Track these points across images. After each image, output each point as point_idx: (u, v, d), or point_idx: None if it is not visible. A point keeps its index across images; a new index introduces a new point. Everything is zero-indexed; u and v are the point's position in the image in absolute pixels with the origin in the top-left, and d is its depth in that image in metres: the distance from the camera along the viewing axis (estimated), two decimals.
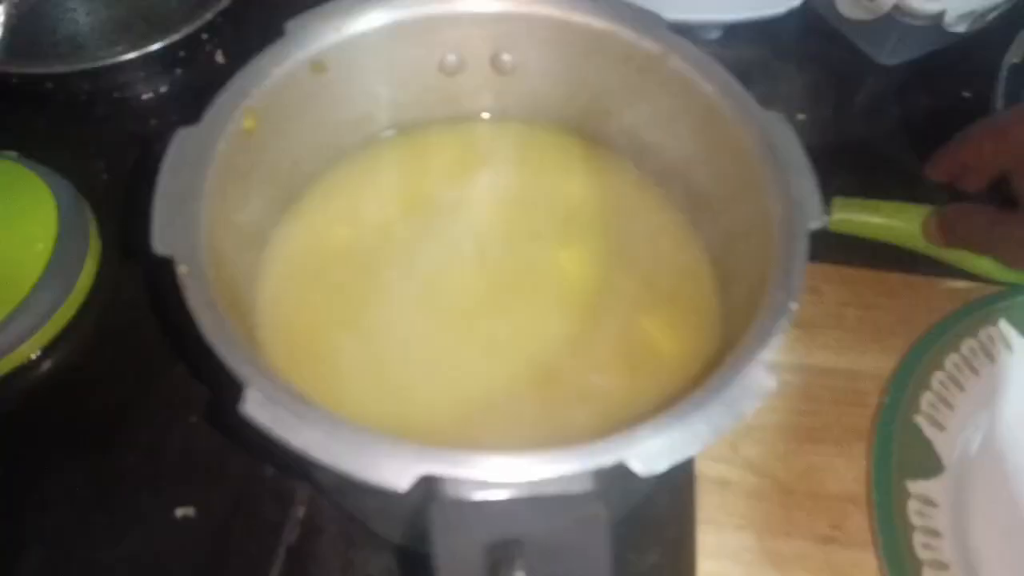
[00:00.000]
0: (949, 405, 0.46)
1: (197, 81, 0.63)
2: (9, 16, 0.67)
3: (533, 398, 0.39)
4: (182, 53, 0.61)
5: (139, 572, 0.43)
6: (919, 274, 0.54)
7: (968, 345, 0.48)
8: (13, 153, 0.55)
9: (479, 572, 0.28)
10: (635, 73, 0.44)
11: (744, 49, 0.67)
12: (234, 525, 0.44)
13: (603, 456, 0.28)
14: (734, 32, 0.67)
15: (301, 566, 0.43)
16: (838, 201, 0.54)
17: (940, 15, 0.62)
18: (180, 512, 0.45)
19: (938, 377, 0.47)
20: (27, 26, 0.67)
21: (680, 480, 0.46)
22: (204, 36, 0.61)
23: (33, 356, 0.50)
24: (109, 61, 0.57)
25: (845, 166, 0.60)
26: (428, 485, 0.29)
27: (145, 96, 0.63)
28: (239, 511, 0.45)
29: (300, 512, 0.45)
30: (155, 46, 0.57)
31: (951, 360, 0.48)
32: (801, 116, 0.63)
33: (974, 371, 0.47)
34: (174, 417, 0.48)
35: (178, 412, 0.48)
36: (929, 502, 0.43)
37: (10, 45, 0.66)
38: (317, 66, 0.41)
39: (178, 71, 0.63)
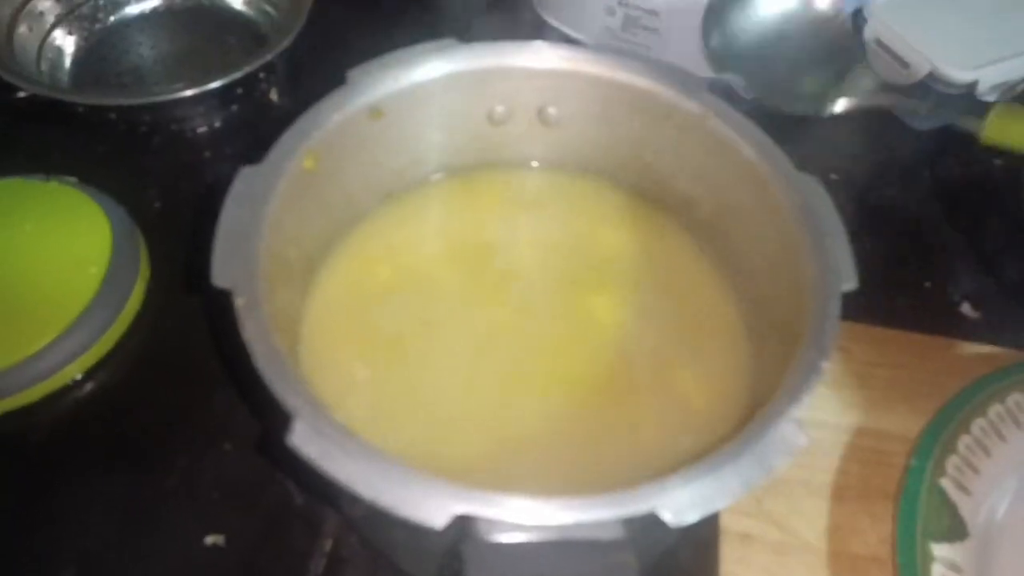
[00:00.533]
0: (975, 469, 0.46)
1: (252, 117, 0.66)
2: (78, 48, 0.70)
3: (565, 442, 0.40)
4: (240, 90, 0.64)
5: None
6: (950, 337, 0.55)
7: (995, 410, 0.48)
8: (72, 179, 0.57)
9: None
10: (675, 131, 0.45)
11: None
12: (262, 555, 0.45)
13: (635, 504, 0.29)
14: None
15: None
16: (998, 107, 0.52)
17: (973, 84, 0.63)
18: (210, 540, 0.45)
19: (964, 441, 0.47)
20: (94, 58, 0.70)
21: (704, 533, 0.46)
22: (261, 75, 0.64)
23: (77, 377, 0.51)
24: (171, 96, 0.60)
25: (875, 228, 0.61)
26: (463, 524, 0.30)
27: (201, 129, 0.65)
28: (268, 541, 0.46)
29: (328, 544, 0.46)
30: (215, 84, 0.60)
31: (978, 424, 0.48)
32: (835, 176, 0.64)
33: (1001, 437, 0.48)
34: (210, 444, 0.49)
35: (215, 440, 0.49)
36: (954, 566, 0.43)
37: (77, 75, 0.69)
38: (375, 112, 0.43)
39: (234, 107, 0.65)
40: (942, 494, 0.45)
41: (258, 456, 0.48)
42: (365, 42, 0.44)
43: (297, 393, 0.32)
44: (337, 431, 0.31)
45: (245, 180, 0.38)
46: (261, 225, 0.37)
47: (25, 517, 0.46)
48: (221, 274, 0.35)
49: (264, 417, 0.49)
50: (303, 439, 0.30)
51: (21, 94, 0.64)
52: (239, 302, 0.34)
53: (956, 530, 0.44)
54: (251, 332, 0.33)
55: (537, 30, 0.68)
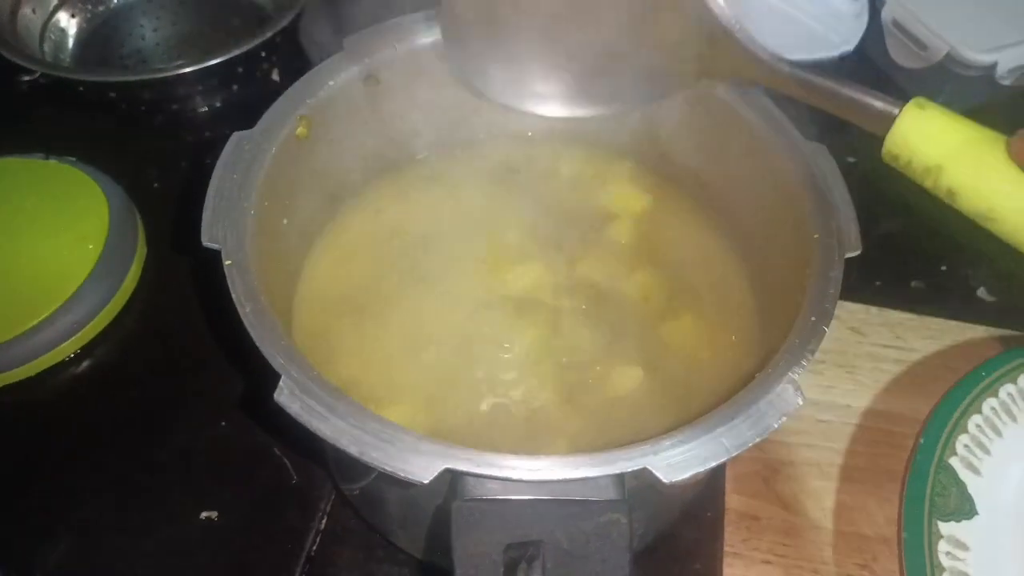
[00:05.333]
0: (985, 450, 0.45)
1: (252, 97, 0.65)
2: (80, 30, 0.70)
3: (565, 404, 0.39)
4: (240, 69, 0.63)
5: (160, 571, 0.44)
6: (965, 321, 0.54)
7: (1007, 391, 0.47)
8: (71, 158, 0.57)
9: (497, 572, 0.28)
10: (683, 102, 0.44)
11: None
12: (256, 532, 0.45)
13: (627, 461, 0.28)
14: None
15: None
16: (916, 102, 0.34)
17: (992, 67, 0.62)
18: (204, 515, 0.45)
19: (975, 421, 0.46)
20: (97, 40, 0.70)
21: (708, 513, 0.45)
22: (262, 54, 0.63)
23: (75, 352, 0.51)
24: (170, 73, 0.59)
25: (892, 211, 0.59)
26: (451, 482, 0.29)
27: (201, 109, 0.65)
28: (262, 518, 0.45)
29: (322, 522, 0.45)
30: (214, 61, 0.59)
31: (988, 405, 0.47)
32: (851, 159, 0.63)
33: (1012, 417, 0.46)
34: (206, 420, 0.49)
35: (210, 415, 0.49)
36: (960, 544, 0.41)
37: (80, 56, 0.69)
38: (371, 79, 0.43)
39: (235, 87, 0.65)
40: (952, 473, 0.44)
41: (253, 433, 0.48)
42: (370, 21, 0.43)
43: (284, 352, 0.31)
44: (324, 389, 0.30)
45: (236, 145, 0.38)
46: (251, 189, 0.37)
47: (23, 489, 0.46)
48: (210, 235, 0.34)
49: (251, 377, 0.49)
50: (289, 397, 0.30)
51: (25, 77, 0.64)
52: (228, 262, 0.33)
53: (964, 509, 0.43)
54: (240, 291, 0.33)
55: None
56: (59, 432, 0.49)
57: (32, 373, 0.50)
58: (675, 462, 0.28)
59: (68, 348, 0.51)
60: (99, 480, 0.47)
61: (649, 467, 0.28)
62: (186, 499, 0.46)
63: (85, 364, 0.51)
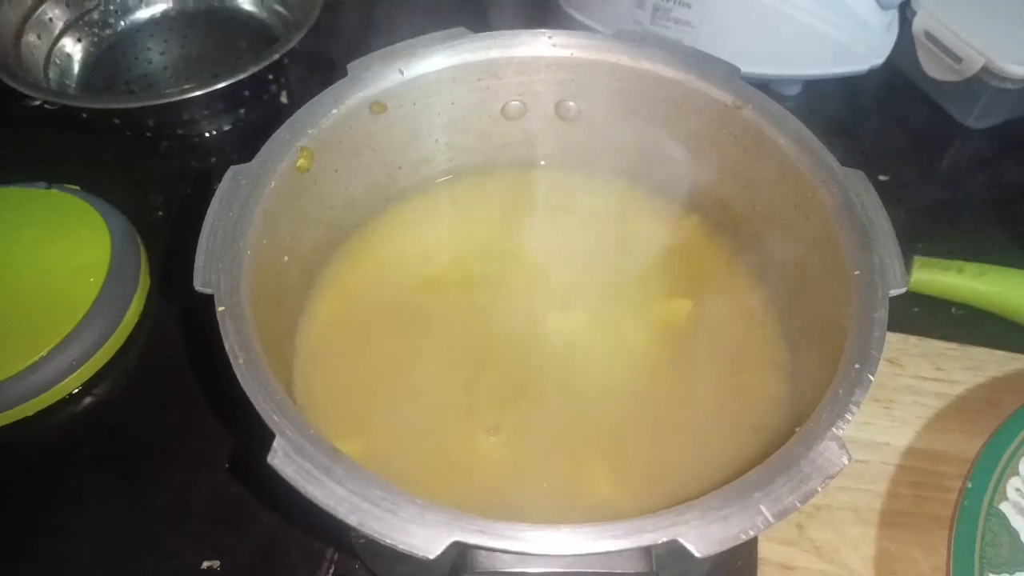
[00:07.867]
0: None
1: (260, 120, 0.64)
2: (87, 54, 0.69)
3: (581, 464, 0.37)
4: (247, 92, 0.62)
5: None
6: (1007, 350, 0.51)
7: None
8: (74, 187, 0.55)
9: None
10: (706, 124, 0.42)
11: (825, 106, 0.65)
12: None
13: (656, 533, 0.26)
14: (814, 88, 0.65)
15: None
16: (919, 260, 0.53)
17: None
18: (206, 564, 0.43)
19: None
20: (104, 65, 0.69)
21: (740, 564, 0.42)
22: (270, 76, 0.62)
23: (74, 391, 0.49)
24: (175, 98, 0.58)
25: (928, 231, 0.57)
26: (462, 554, 0.27)
27: (207, 134, 0.64)
28: (265, 568, 0.43)
29: (328, 572, 0.43)
30: (219, 85, 0.57)
31: None
32: (883, 177, 0.60)
33: None
34: (208, 462, 0.47)
35: (212, 457, 0.47)
36: None
37: (87, 81, 0.68)
38: (377, 107, 0.41)
39: (242, 110, 0.63)
40: (1003, 519, 0.41)
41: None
42: (382, 43, 0.41)
43: (279, 408, 0.29)
44: (322, 451, 0.28)
45: (233, 180, 0.36)
46: (248, 228, 0.35)
47: (19, 533, 0.45)
48: (203, 278, 0.32)
49: (241, 434, 0.47)
50: (284, 459, 0.27)
51: (31, 103, 0.63)
52: (220, 309, 0.31)
53: (1017, 559, 0.40)
54: (233, 340, 0.30)
55: (559, 23, 0.65)
56: (58, 475, 0.47)
57: (30, 413, 0.48)
58: (708, 533, 0.25)
59: (68, 385, 0.49)
60: (98, 526, 0.44)
61: (680, 539, 0.25)
62: (186, 547, 0.43)
63: (85, 402, 0.49)
